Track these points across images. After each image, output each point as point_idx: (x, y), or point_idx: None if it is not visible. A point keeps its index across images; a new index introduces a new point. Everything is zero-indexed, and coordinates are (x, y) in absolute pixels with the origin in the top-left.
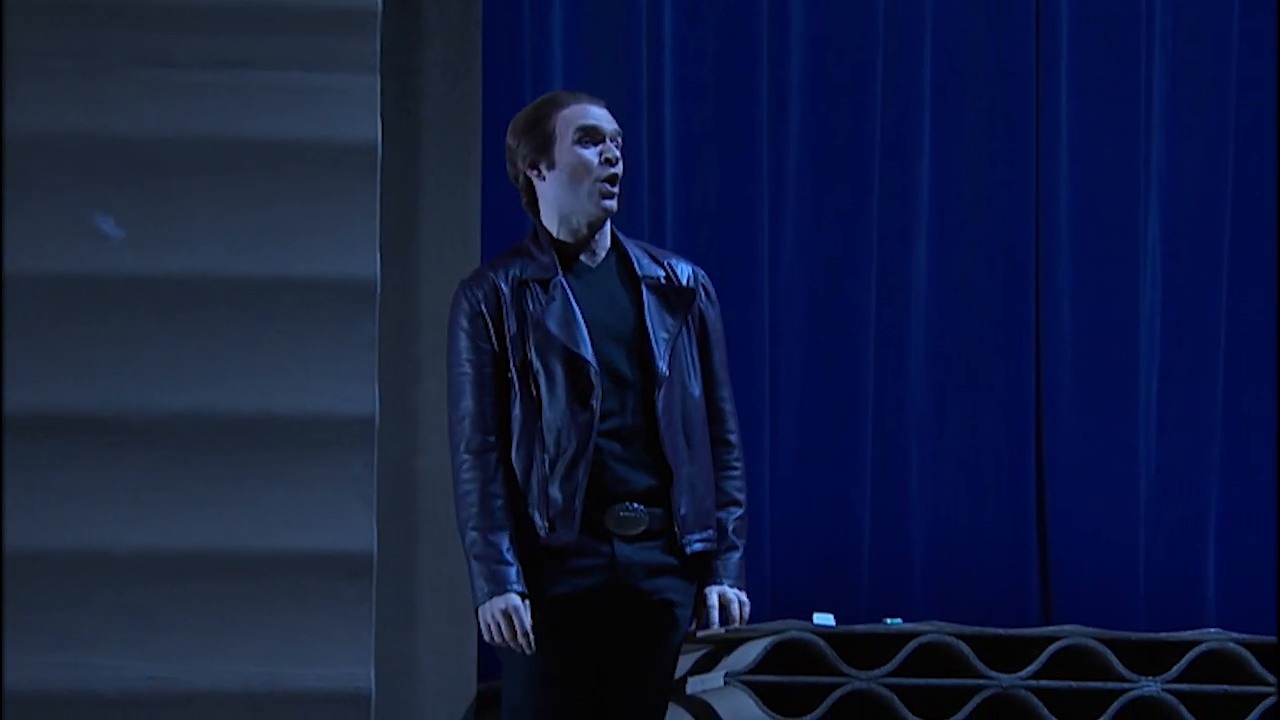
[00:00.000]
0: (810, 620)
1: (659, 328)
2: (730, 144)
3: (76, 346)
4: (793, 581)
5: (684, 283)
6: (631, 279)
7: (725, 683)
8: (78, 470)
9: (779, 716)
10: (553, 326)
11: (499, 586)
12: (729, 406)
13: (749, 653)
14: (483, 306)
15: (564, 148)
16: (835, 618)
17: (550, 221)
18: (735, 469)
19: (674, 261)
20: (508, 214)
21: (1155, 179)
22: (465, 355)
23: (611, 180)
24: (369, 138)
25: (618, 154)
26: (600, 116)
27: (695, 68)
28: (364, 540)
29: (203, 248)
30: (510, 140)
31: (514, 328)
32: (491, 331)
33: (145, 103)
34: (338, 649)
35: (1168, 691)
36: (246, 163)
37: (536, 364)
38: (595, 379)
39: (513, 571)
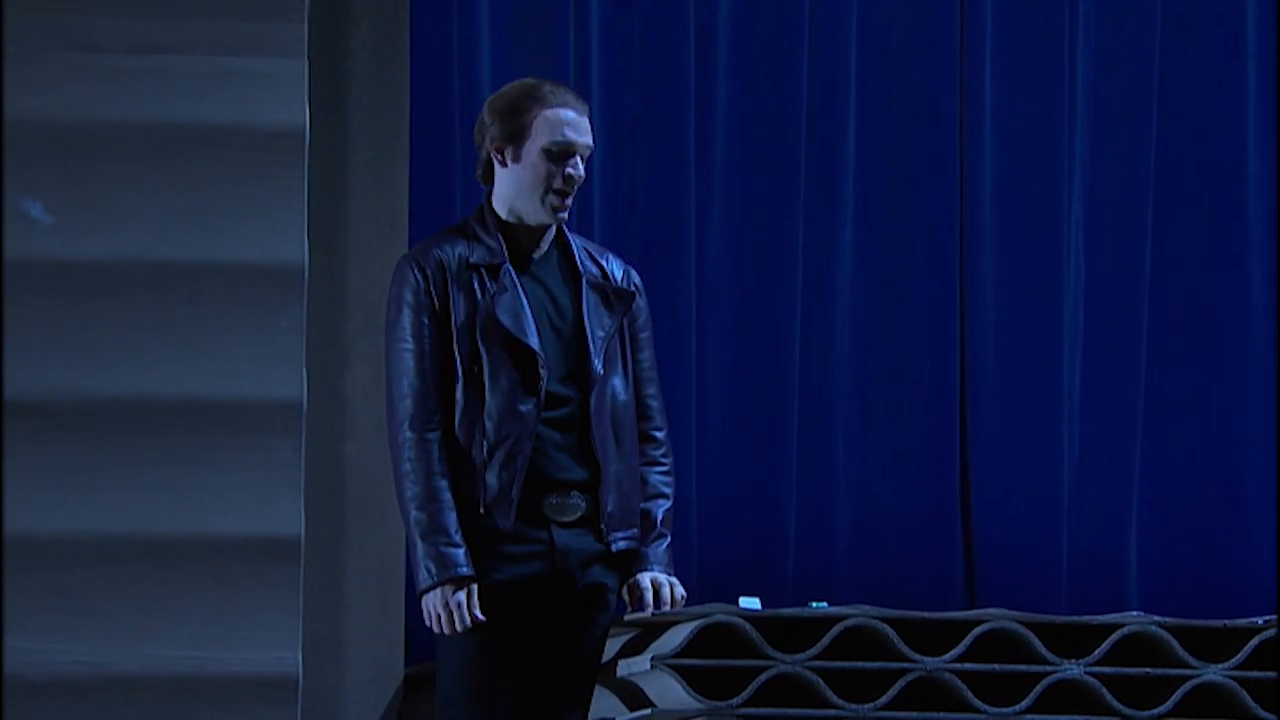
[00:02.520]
0: (736, 604)
1: (596, 325)
2: (657, 131)
3: (2, 331)
4: (719, 566)
5: (619, 282)
6: (573, 274)
7: (652, 666)
8: (3, 454)
9: (705, 699)
10: (503, 317)
11: (446, 570)
12: (657, 404)
13: (675, 636)
14: (430, 284)
15: (532, 150)
16: (761, 601)
17: (500, 205)
18: (663, 464)
19: (609, 260)
20: (436, 198)
21: (1079, 165)
22: (409, 331)
23: (566, 193)
24: (296, 123)
25: (581, 174)
26: (577, 130)
27: (622, 54)
28: (291, 525)
29: (129, 232)
30: (485, 115)
31: (461, 313)
32: (437, 310)
33: (71, 87)
34: (265, 633)
35: (1090, 674)
36: (173, 148)
37: (483, 351)
38: (542, 370)
39: (461, 554)
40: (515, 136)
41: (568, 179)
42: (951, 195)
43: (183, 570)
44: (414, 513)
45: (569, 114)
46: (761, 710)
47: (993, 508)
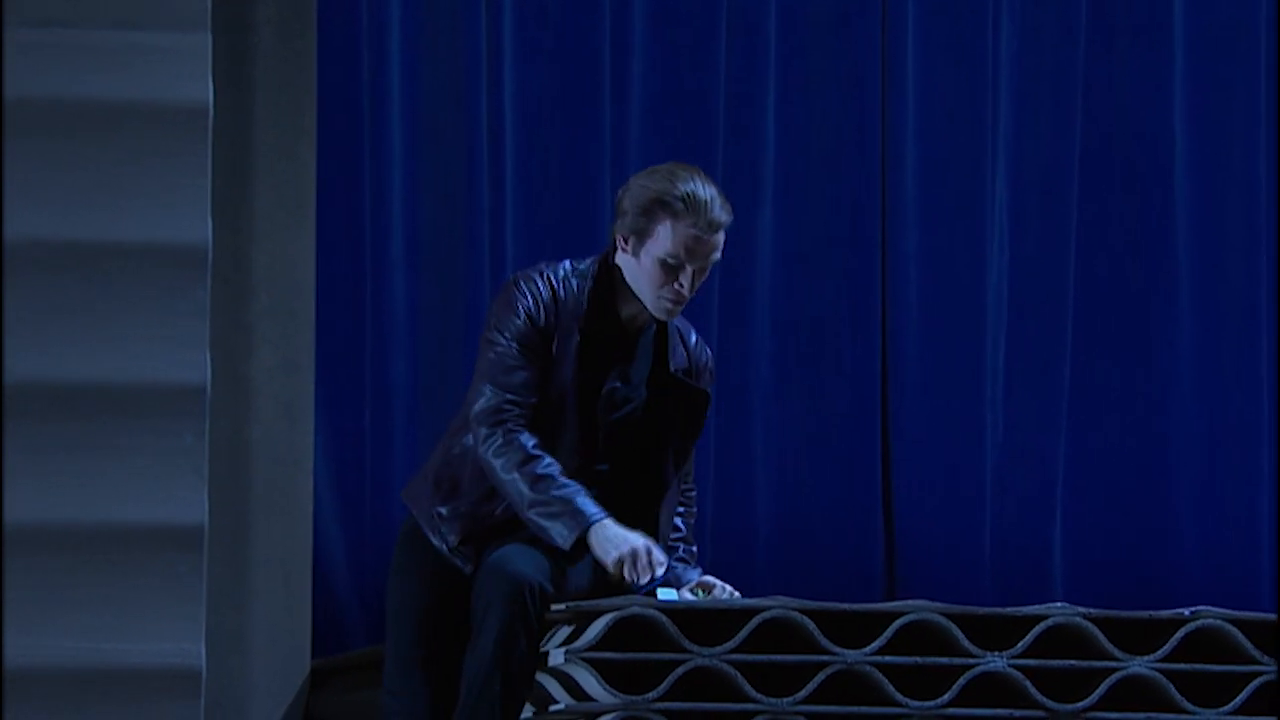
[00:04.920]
0: (653, 595)
1: (674, 430)
2: (572, 108)
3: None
4: None
5: (698, 365)
6: (661, 367)
7: (566, 660)
8: (3, 445)
9: (621, 694)
10: (601, 406)
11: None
12: (690, 471)
13: (590, 629)
14: (541, 314)
15: (651, 254)
16: (678, 593)
17: (623, 274)
18: (691, 512)
19: (694, 339)
20: (344, 178)
21: (1002, 142)
22: (507, 336)
23: (677, 300)
24: (199, 98)
25: (688, 292)
26: (695, 252)
27: (535, 29)
28: (195, 513)
29: (27, 211)
30: (622, 199)
31: (562, 367)
32: (541, 336)
33: None
34: (167, 624)
35: (1014, 667)
36: (72, 125)
37: (569, 408)
38: (600, 457)
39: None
40: (640, 235)
41: (676, 291)
42: (873, 174)
43: (82, 560)
44: (527, 513)
45: (696, 235)
46: (678, 705)
47: (914, 496)
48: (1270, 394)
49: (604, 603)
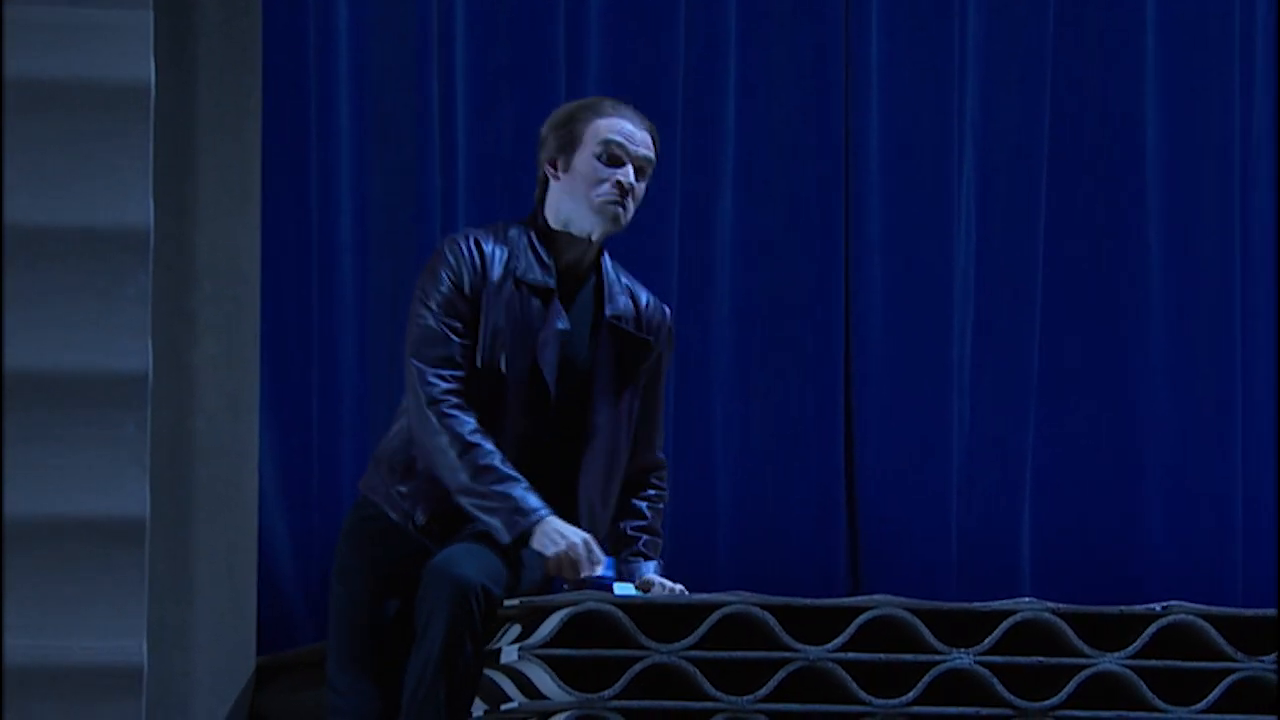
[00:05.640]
0: (610, 591)
1: (609, 379)
2: (526, 86)
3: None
4: None
5: (651, 324)
6: (600, 314)
7: (519, 657)
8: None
9: (576, 691)
10: (545, 353)
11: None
12: (658, 440)
13: (544, 625)
14: (466, 278)
15: (585, 155)
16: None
17: (551, 215)
18: (659, 490)
19: (646, 300)
20: (291, 159)
21: (969, 127)
22: (434, 306)
23: (619, 198)
24: (142, 78)
25: (632, 183)
26: (631, 138)
27: (488, 6)
28: (136, 505)
29: None
30: (543, 130)
31: (496, 323)
32: (469, 302)
33: None
34: (107, 620)
35: (980, 663)
36: (9, 104)
37: (503, 369)
38: (551, 411)
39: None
40: (567, 146)
41: (619, 185)
42: (836, 158)
43: (19, 553)
44: (464, 500)
45: (624, 125)
46: (635, 703)
47: (879, 488)
48: (1249, 382)
49: (557, 598)
